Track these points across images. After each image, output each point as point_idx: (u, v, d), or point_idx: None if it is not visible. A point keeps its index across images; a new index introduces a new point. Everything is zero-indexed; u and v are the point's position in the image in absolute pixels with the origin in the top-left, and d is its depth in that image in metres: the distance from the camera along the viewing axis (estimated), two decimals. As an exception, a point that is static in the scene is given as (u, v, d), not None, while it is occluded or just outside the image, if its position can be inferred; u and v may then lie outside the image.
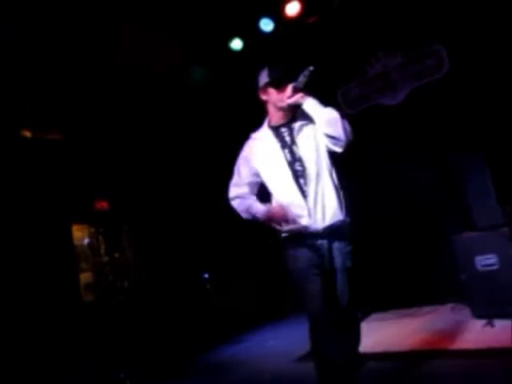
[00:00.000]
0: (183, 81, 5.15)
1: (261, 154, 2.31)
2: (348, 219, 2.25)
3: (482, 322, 3.14)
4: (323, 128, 2.18)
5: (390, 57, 4.37)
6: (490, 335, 2.92)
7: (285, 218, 2.18)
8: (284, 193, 2.25)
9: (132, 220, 5.22)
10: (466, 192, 3.38)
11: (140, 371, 3.94)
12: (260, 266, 5.59)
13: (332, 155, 2.26)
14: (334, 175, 2.27)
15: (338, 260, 2.23)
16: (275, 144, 2.28)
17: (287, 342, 4.16)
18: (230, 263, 5.54)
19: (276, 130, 2.31)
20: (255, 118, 2.44)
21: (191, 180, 5.45)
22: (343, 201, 2.25)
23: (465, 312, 3.43)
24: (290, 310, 5.20)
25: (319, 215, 2.18)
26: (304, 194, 2.20)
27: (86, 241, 4.80)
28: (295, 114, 2.28)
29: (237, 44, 5.03)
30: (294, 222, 2.18)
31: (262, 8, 4.77)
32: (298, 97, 2.19)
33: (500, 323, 3.04)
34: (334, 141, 2.18)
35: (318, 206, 2.19)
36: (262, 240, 5.57)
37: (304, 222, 2.18)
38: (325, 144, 2.22)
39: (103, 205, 5.32)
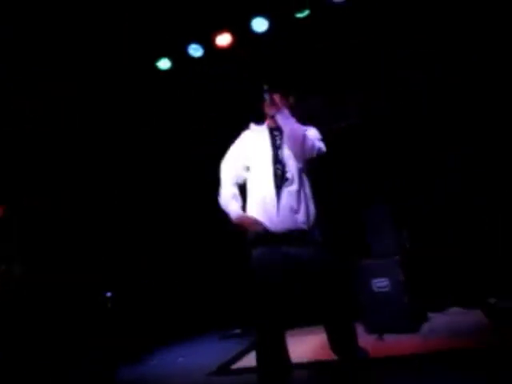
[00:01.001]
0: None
1: (253, 144, 2.52)
2: (316, 228, 2.40)
3: (374, 336, 3.64)
4: (285, 141, 2.43)
5: (316, 99, 4.84)
6: (380, 347, 3.38)
7: (252, 228, 2.36)
8: (260, 188, 2.41)
9: (25, 231, 4.95)
10: (365, 224, 3.91)
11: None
12: (168, 286, 5.66)
13: (308, 168, 2.47)
14: (307, 185, 2.46)
15: (303, 266, 2.32)
16: (267, 141, 2.49)
17: (197, 358, 4.29)
18: (136, 282, 5.51)
19: (271, 130, 2.53)
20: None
21: (91, 192, 5.37)
22: (312, 210, 2.41)
23: (360, 328, 3.88)
24: (200, 328, 5.38)
25: (287, 218, 2.32)
26: (277, 194, 2.35)
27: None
28: None
29: (164, 64, 5.19)
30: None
31: (193, 34, 5.02)
32: (270, 109, 2.44)
33: (388, 337, 3.56)
34: (293, 153, 2.41)
35: (287, 209, 2.33)
36: (170, 259, 5.70)
37: (271, 222, 2.32)
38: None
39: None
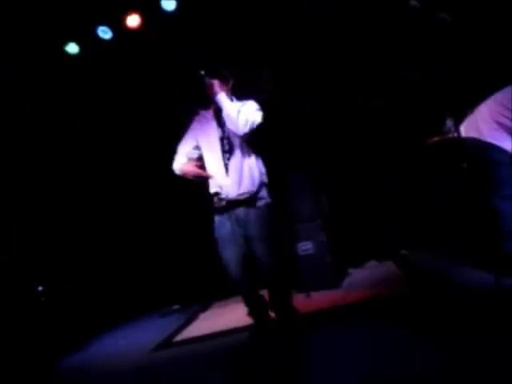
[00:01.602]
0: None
1: (201, 127, 2.89)
2: (263, 193, 2.78)
3: (302, 294, 3.98)
4: (226, 120, 2.75)
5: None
6: (308, 304, 3.72)
7: (196, 175, 2.78)
8: (213, 163, 2.81)
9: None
10: (290, 191, 4.19)
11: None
12: (105, 270, 5.64)
13: (251, 140, 2.78)
14: (251, 155, 2.80)
15: (252, 228, 2.72)
16: (213, 122, 2.85)
17: (138, 338, 4.39)
18: (67, 273, 5.43)
19: (216, 112, 2.85)
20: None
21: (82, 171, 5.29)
22: (256, 177, 2.77)
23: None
24: (139, 310, 5.47)
25: (235, 186, 2.73)
26: (226, 167, 2.75)
27: None
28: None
29: (73, 48, 5.01)
30: (207, 178, 2.79)
31: (101, 16, 4.88)
32: (210, 94, 2.78)
33: (315, 294, 3.93)
34: (232, 130, 2.75)
35: (235, 178, 2.73)
36: (100, 248, 5.66)
37: (224, 191, 2.74)
38: None
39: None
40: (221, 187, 2.77)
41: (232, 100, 2.87)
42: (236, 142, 2.79)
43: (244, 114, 2.69)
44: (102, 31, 4.94)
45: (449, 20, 3.02)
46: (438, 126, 3.98)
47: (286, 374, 2.49)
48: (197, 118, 2.98)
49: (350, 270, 4.41)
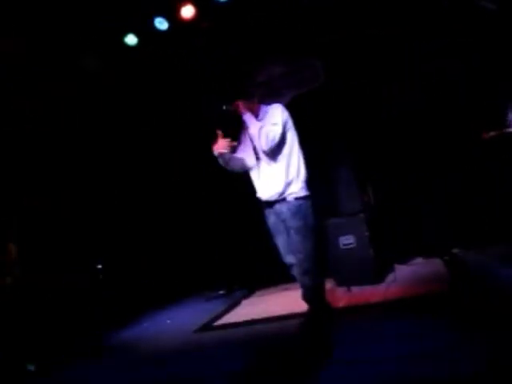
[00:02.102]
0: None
1: (245, 133, 3.09)
2: (294, 188, 2.90)
3: (343, 288, 3.97)
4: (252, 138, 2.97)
5: (274, 66, 4.99)
6: (349, 297, 3.73)
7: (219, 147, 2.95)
8: (251, 168, 3.08)
9: (20, 213, 5.13)
10: (336, 186, 4.16)
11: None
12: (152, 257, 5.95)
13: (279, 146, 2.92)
14: (274, 159, 2.95)
15: (287, 220, 2.91)
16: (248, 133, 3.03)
17: (184, 319, 4.62)
18: (123, 254, 5.78)
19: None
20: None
21: (82, 171, 5.53)
22: (284, 179, 2.90)
23: (332, 282, 4.21)
24: (187, 292, 5.72)
25: (265, 190, 2.98)
26: (257, 173, 3.03)
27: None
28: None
29: (131, 39, 5.22)
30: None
31: (158, 7, 5.05)
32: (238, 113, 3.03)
33: (356, 289, 3.91)
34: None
35: (264, 183, 2.99)
36: (153, 231, 5.95)
37: (258, 193, 3.03)
38: None
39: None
40: (258, 189, 3.06)
41: (257, 114, 3.04)
42: (270, 152, 2.94)
43: (264, 134, 2.86)
44: (159, 22, 5.11)
45: (493, 8, 2.83)
46: (495, 120, 3.78)
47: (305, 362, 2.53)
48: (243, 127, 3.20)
49: (396, 266, 4.30)
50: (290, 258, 2.98)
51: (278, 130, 2.86)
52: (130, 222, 5.94)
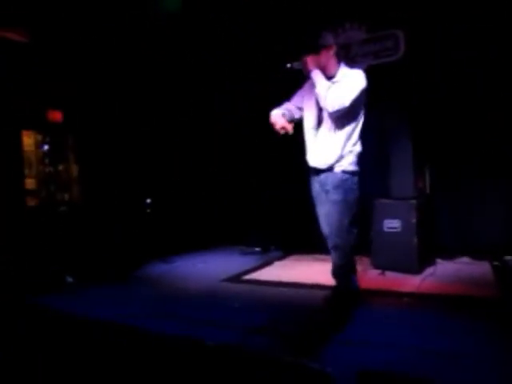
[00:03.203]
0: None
1: (309, 92, 2.91)
2: (343, 162, 2.76)
3: (378, 271, 3.86)
4: (318, 97, 2.75)
5: (354, 30, 4.73)
6: (380, 282, 3.63)
7: (281, 125, 2.82)
8: (307, 130, 2.91)
9: (81, 135, 5.37)
10: (390, 166, 3.96)
11: (82, 275, 4.31)
12: (200, 199, 6.08)
13: (344, 115, 2.71)
14: (341, 128, 2.76)
15: (327, 191, 2.82)
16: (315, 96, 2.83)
17: (216, 266, 4.73)
18: (173, 193, 5.96)
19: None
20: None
21: (144, 108, 5.65)
22: (337, 151, 2.76)
23: (366, 261, 4.10)
24: (225, 240, 5.83)
25: (317, 156, 2.85)
26: (314, 137, 2.86)
27: (35, 147, 4.90)
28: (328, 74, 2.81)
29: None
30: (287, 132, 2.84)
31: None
32: (305, 71, 2.81)
33: (390, 274, 3.79)
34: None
35: (318, 149, 2.83)
36: (202, 173, 6.05)
37: (309, 157, 2.90)
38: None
39: (56, 115, 5.40)
40: (309, 154, 2.92)
41: (334, 72, 2.79)
42: (326, 115, 2.79)
43: (332, 96, 2.64)
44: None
45: None
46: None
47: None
48: (305, 86, 2.99)
49: (439, 261, 4.11)
50: (327, 230, 2.89)
51: (351, 96, 2.64)
52: (180, 165, 6.06)
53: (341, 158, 2.77)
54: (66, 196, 5.21)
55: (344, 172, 2.77)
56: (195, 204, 6.09)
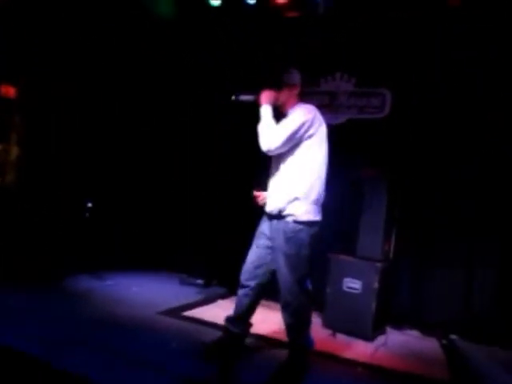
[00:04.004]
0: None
1: None
2: (295, 208, 2.52)
3: (328, 331, 3.62)
4: None
5: (343, 81, 4.68)
6: (332, 344, 3.38)
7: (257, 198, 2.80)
8: (269, 171, 2.76)
9: (32, 117, 4.84)
10: (359, 222, 3.80)
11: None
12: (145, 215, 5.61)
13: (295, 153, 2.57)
14: (284, 170, 2.60)
15: (277, 242, 2.58)
16: None
17: (152, 293, 4.27)
18: (117, 201, 5.46)
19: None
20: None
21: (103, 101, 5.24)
22: (289, 193, 2.53)
23: (317, 320, 3.85)
24: (163, 264, 5.36)
25: (269, 200, 2.68)
26: (268, 179, 2.72)
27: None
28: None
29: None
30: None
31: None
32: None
33: (341, 336, 3.56)
34: None
35: (270, 192, 2.68)
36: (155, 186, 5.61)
37: (266, 199, 2.72)
38: None
39: (9, 90, 4.88)
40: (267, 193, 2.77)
41: (287, 111, 2.67)
42: (277, 157, 2.65)
43: (267, 134, 2.54)
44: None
45: None
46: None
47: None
48: None
49: (388, 329, 3.95)
50: (249, 280, 2.72)
51: (283, 135, 2.47)
52: (128, 173, 5.59)
53: (290, 202, 2.52)
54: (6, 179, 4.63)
55: (296, 222, 2.50)
56: (139, 218, 5.60)
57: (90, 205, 5.09)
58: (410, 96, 4.31)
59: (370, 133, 4.42)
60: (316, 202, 2.57)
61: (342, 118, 4.65)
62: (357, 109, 4.60)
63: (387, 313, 3.91)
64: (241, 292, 2.78)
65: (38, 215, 4.70)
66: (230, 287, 4.90)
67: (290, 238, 2.50)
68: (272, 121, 2.57)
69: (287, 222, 2.51)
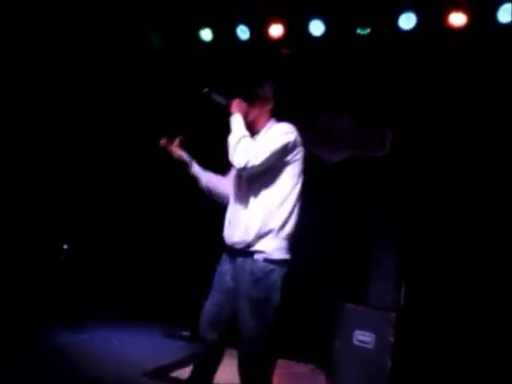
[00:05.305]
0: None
1: None
2: (266, 244, 2.11)
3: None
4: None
5: (344, 118, 4.50)
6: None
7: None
8: (230, 200, 2.33)
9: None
10: (368, 267, 3.48)
11: None
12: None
13: (268, 181, 2.18)
14: (255, 196, 2.18)
15: (242, 284, 2.11)
16: None
17: (133, 348, 3.82)
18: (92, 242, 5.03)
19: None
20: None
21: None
22: (259, 224, 2.11)
23: (321, 377, 3.45)
24: (144, 313, 4.84)
25: (232, 232, 2.21)
26: (232, 208, 2.27)
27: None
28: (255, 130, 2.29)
29: (206, 35, 4.82)
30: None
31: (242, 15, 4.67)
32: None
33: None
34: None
35: (233, 222, 2.21)
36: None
37: (225, 233, 2.26)
38: None
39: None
40: (224, 229, 2.30)
41: (258, 127, 2.31)
42: (246, 184, 2.23)
43: (242, 149, 2.12)
44: (241, 30, 4.72)
45: None
46: None
47: None
48: None
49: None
50: (212, 334, 2.18)
51: (264, 155, 2.08)
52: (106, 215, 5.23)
53: (261, 237, 2.12)
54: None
55: (267, 261, 2.10)
56: (116, 261, 5.13)
57: (65, 246, 4.69)
58: (413, 132, 4.14)
59: (371, 170, 4.22)
60: (289, 238, 2.19)
61: (341, 156, 4.43)
62: (357, 146, 4.40)
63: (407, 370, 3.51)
64: (201, 349, 2.27)
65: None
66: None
67: (259, 280, 2.08)
68: (247, 133, 2.20)
69: (255, 260, 2.10)
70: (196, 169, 2.45)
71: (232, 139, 2.16)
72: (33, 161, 4.79)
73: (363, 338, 3.23)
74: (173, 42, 4.86)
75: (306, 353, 3.75)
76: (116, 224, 5.17)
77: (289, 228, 2.17)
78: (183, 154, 2.44)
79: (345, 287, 3.70)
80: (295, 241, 2.22)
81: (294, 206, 2.19)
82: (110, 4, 4.47)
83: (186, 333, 4.59)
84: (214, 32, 4.80)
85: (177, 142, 2.45)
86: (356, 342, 3.25)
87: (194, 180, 2.45)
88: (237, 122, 2.20)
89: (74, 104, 4.99)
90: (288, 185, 2.17)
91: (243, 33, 4.72)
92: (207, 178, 2.45)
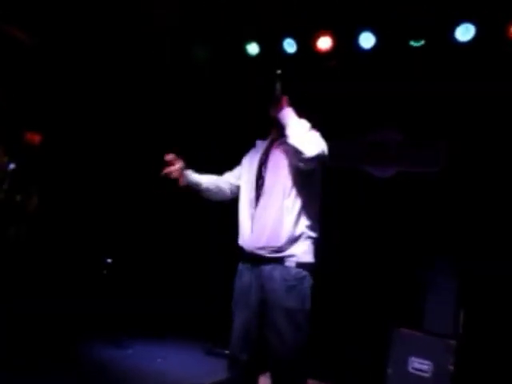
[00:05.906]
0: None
1: (250, 160, 2.29)
2: (296, 249, 1.99)
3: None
4: (290, 139, 2.02)
5: (393, 132, 4.34)
6: None
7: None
8: (242, 206, 2.18)
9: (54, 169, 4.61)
10: (424, 287, 3.28)
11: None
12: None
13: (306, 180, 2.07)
14: (294, 199, 2.04)
15: (274, 294, 1.95)
16: (261, 155, 2.22)
17: (176, 366, 3.72)
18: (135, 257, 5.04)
19: (271, 142, 2.25)
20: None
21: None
22: (289, 228, 1.99)
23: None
24: (186, 330, 4.77)
25: (255, 237, 2.03)
26: (252, 213, 2.08)
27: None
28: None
29: (253, 49, 4.80)
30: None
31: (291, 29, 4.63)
32: (274, 109, 2.11)
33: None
34: (297, 155, 1.98)
35: (258, 227, 2.04)
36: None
37: (244, 240, 2.10)
38: (294, 164, 2.05)
39: (34, 138, 4.69)
40: (243, 235, 2.13)
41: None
42: (272, 183, 2.09)
43: (316, 141, 2.02)
44: (288, 44, 4.67)
45: None
46: None
47: None
48: (253, 149, 2.37)
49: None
50: (243, 354, 2.02)
51: (325, 151, 2.03)
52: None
53: (293, 240, 1.99)
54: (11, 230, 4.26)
55: (299, 265, 1.97)
56: (163, 278, 5.12)
57: (109, 261, 4.70)
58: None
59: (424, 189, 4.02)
60: (316, 243, 2.08)
61: (392, 171, 4.25)
62: (409, 161, 4.21)
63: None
64: (234, 372, 2.12)
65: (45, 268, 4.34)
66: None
67: (293, 288, 1.95)
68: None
69: (287, 267, 1.97)
70: (195, 176, 2.30)
71: (299, 130, 2.02)
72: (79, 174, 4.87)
73: (419, 365, 3.02)
74: (219, 55, 4.86)
75: (354, 379, 3.57)
76: (160, 239, 5.18)
77: (317, 232, 2.09)
78: (187, 178, 2.25)
79: (398, 310, 3.50)
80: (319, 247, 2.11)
81: (320, 209, 2.12)
82: (148, 17, 4.50)
83: (228, 352, 4.49)
84: (261, 46, 4.77)
85: (177, 167, 2.21)
86: (411, 370, 3.04)
87: (194, 186, 2.29)
88: (294, 115, 2.09)
89: (115, 117, 5.07)
90: (318, 187, 2.14)
91: (290, 46, 4.67)
92: (206, 179, 2.33)
